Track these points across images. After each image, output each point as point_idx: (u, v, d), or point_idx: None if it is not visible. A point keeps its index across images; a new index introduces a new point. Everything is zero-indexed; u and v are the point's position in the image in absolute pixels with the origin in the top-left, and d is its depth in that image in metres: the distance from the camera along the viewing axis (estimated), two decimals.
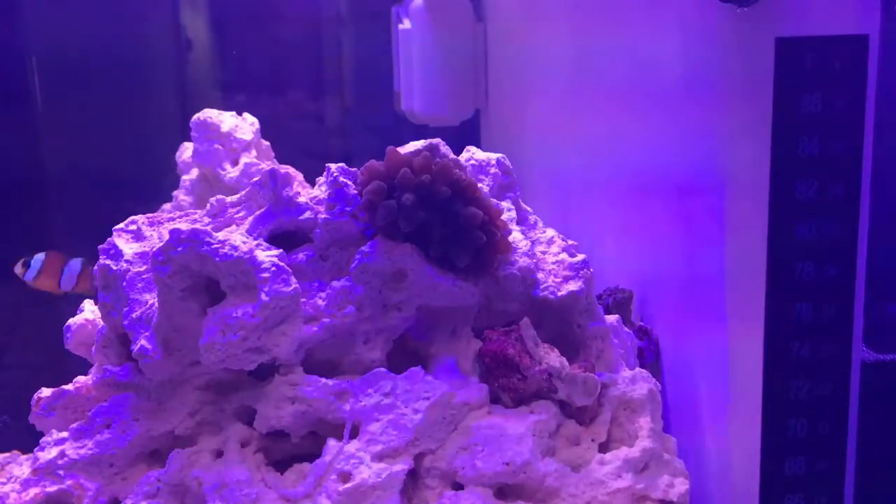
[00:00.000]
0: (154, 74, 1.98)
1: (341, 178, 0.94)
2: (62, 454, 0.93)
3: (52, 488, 0.92)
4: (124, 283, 0.94)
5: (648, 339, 1.09)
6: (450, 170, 0.90)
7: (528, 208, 1.05)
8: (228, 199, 1.00)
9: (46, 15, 1.85)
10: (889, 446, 0.96)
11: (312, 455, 0.90)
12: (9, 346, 1.81)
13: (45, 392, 0.99)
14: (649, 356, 1.08)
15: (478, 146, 1.05)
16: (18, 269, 1.47)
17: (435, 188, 0.89)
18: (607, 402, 0.95)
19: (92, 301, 1.06)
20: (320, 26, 2.06)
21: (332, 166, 0.96)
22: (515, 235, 0.98)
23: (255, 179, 0.97)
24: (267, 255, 0.88)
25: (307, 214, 0.94)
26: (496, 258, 0.94)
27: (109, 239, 0.98)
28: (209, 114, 1.45)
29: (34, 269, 1.45)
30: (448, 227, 0.90)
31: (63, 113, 1.88)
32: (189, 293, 0.89)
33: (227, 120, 1.45)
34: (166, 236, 0.88)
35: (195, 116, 1.45)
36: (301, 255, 0.94)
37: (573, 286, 0.98)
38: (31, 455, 0.96)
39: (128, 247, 0.96)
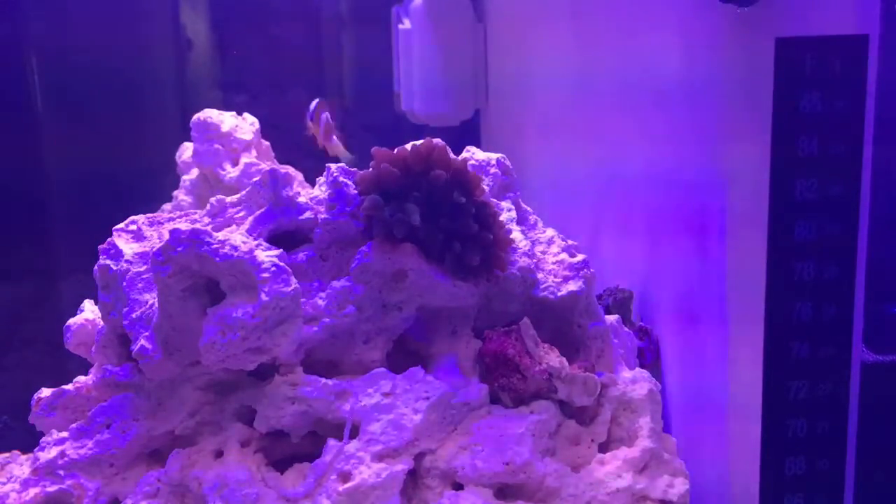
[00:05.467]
0: (154, 74, 1.98)
1: (341, 178, 0.94)
2: (62, 454, 0.93)
3: (52, 488, 0.92)
4: (124, 283, 0.94)
5: (648, 339, 1.09)
6: (448, 160, 0.90)
7: (528, 208, 1.05)
8: (228, 199, 1.00)
9: (46, 15, 1.85)
10: (889, 446, 0.96)
11: (312, 455, 0.90)
12: (9, 346, 1.81)
13: (45, 392, 0.99)
14: (649, 356, 1.08)
15: (478, 146, 1.05)
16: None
17: (434, 180, 0.89)
18: (607, 402, 0.95)
19: (92, 301, 1.06)
20: (320, 26, 2.06)
21: (332, 166, 0.96)
22: (515, 235, 0.98)
23: (255, 179, 0.98)
24: (267, 255, 0.88)
25: (307, 214, 0.95)
26: (501, 258, 0.94)
27: (109, 239, 0.98)
28: (209, 114, 1.45)
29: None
30: (455, 229, 0.90)
31: (63, 113, 1.88)
32: (189, 293, 0.89)
33: (227, 120, 1.45)
34: (166, 236, 0.88)
35: (195, 116, 1.45)
36: (301, 255, 0.94)
37: (573, 286, 0.98)
38: (31, 455, 0.96)
39: (128, 247, 0.96)
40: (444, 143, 0.96)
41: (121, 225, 0.99)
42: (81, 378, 1.00)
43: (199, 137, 1.45)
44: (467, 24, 1.79)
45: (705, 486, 0.95)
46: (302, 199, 0.95)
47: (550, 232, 1.04)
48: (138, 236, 0.98)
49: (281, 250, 0.91)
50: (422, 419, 0.89)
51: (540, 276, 0.98)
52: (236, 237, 0.89)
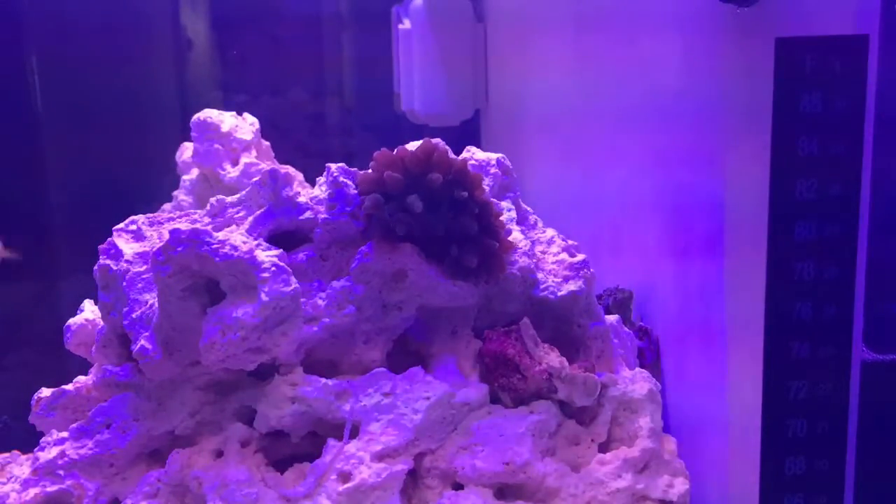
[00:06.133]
0: (154, 74, 1.98)
1: (341, 178, 0.94)
2: (62, 454, 0.93)
3: (52, 488, 0.92)
4: (124, 283, 0.94)
5: (648, 339, 1.09)
6: (449, 161, 0.90)
7: (528, 208, 1.05)
8: (228, 199, 1.00)
9: (46, 15, 1.85)
10: (889, 446, 0.96)
11: (312, 455, 0.90)
12: (9, 346, 1.81)
13: (45, 392, 0.99)
14: (649, 356, 1.08)
15: (478, 146, 1.05)
16: None
17: (432, 180, 0.89)
18: (607, 402, 0.95)
19: (92, 301, 1.06)
20: (320, 26, 2.06)
21: (332, 166, 0.96)
22: (515, 235, 0.98)
23: (255, 179, 0.97)
24: (267, 255, 0.88)
25: (307, 214, 0.95)
26: (502, 259, 0.94)
27: (109, 239, 0.98)
28: (209, 114, 1.45)
29: None
30: (456, 230, 0.90)
31: (63, 113, 1.88)
32: (189, 293, 0.89)
33: (227, 120, 1.45)
34: (166, 236, 0.88)
35: (195, 116, 1.45)
36: (301, 255, 0.94)
37: (573, 286, 0.98)
38: (31, 455, 0.96)
39: (128, 247, 0.96)
40: (444, 143, 0.96)
41: (121, 225, 0.99)
42: (81, 378, 1.00)
43: (198, 137, 1.45)
44: (467, 24, 1.79)
45: (705, 486, 0.95)
46: (302, 199, 0.95)
47: (550, 232, 1.04)
48: (138, 236, 0.98)
49: (281, 250, 0.91)
50: (422, 419, 0.89)
51: (540, 275, 0.97)
52: (236, 237, 0.89)
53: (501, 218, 0.95)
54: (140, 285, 0.93)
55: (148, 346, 0.89)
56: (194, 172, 1.48)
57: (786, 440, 0.84)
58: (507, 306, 0.97)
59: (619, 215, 1.20)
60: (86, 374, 1.01)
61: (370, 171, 0.93)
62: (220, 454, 0.92)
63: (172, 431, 0.94)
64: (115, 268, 0.95)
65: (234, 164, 1.44)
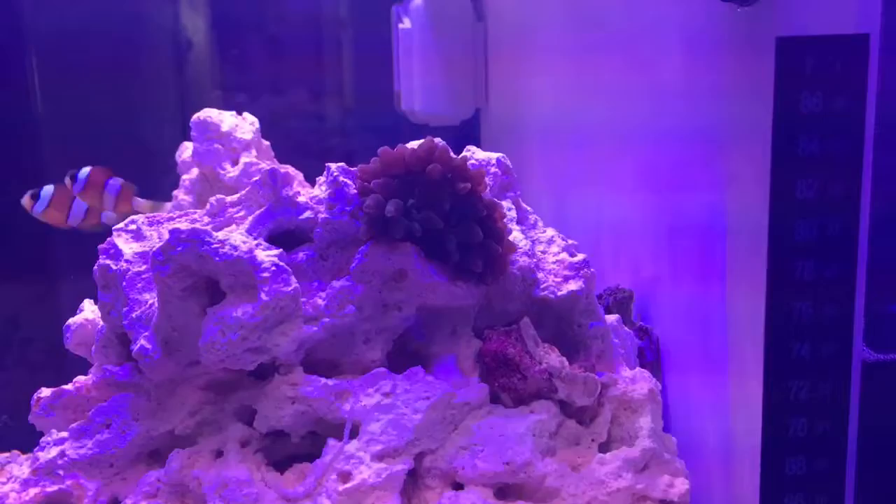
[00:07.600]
0: (154, 74, 1.98)
1: (341, 178, 0.94)
2: (62, 454, 0.93)
3: (52, 488, 0.92)
4: (124, 283, 0.94)
5: (648, 339, 1.09)
6: (450, 160, 0.90)
7: (528, 208, 1.05)
8: (228, 198, 1.00)
9: (46, 15, 1.85)
10: (889, 446, 0.96)
11: (312, 455, 0.90)
12: (9, 345, 1.81)
13: (45, 392, 0.99)
14: (649, 356, 1.08)
15: (478, 146, 1.05)
16: (26, 201, 1.47)
17: (430, 174, 0.89)
18: (607, 402, 0.95)
19: (92, 301, 1.06)
20: (320, 26, 2.06)
21: (332, 166, 0.95)
22: (515, 235, 0.98)
23: (255, 179, 0.97)
24: (267, 255, 0.88)
25: (307, 214, 0.94)
26: (504, 261, 0.93)
27: (109, 238, 0.98)
28: (209, 113, 1.45)
29: (44, 201, 1.45)
30: (457, 230, 0.90)
31: (63, 112, 1.88)
32: (189, 293, 0.89)
33: (227, 120, 1.45)
34: (166, 236, 0.88)
35: (195, 116, 1.45)
36: (301, 255, 0.94)
37: (573, 286, 0.98)
38: (31, 455, 0.96)
39: (127, 246, 0.96)
40: (444, 142, 0.96)
41: (120, 224, 0.99)
42: (81, 378, 1.00)
43: (198, 137, 1.45)
44: (467, 23, 1.79)
45: (705, 486, 0.95)
46: (302, 199, 0.95)
47: (550, 231, 1.04)
48: (138, 236, 0.98)
49: (281, 250, 0.91)
50: (422, 419, 0.89)
51: (540, 275, 0.97)
52: (236, 237, 0.89)
53: (504, 220, 0.95)
54: (140, 285, 0.93)
55: (147, 345, 0.89)
56: (194, 172, 1.48)
57: (786, 440, 0.84)
58: (508, 306, 0.96)
59: (619, 214, 1.20)
60: (86, 374, 1.01)
61: (371, 166, 0.92)
62: (220, 454, 0.92)
63: (172, 431, 0.93)
64: (114, 267, 0.95)
65: (234, 163, 1.44)
